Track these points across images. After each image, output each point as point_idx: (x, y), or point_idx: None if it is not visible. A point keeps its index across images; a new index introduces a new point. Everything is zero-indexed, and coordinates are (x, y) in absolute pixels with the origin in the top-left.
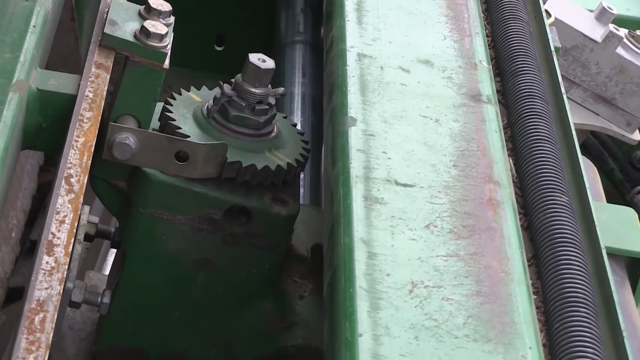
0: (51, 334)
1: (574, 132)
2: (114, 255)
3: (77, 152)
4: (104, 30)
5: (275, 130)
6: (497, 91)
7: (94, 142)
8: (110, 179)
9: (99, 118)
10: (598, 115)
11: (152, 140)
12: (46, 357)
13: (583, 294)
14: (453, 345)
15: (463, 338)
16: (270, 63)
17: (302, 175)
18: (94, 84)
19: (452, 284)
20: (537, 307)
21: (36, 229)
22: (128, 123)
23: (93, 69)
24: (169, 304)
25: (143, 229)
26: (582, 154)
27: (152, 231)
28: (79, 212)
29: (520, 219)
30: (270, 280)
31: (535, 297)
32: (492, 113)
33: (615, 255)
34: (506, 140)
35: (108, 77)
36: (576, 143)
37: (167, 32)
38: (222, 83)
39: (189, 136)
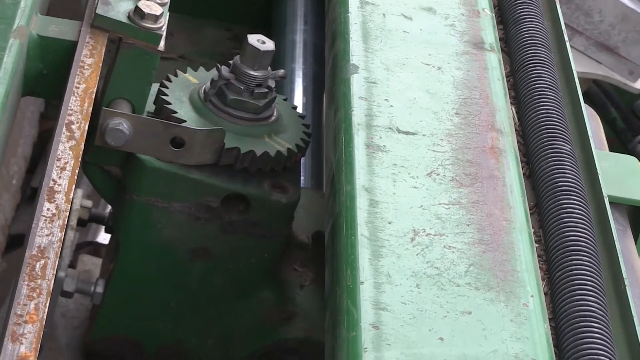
0: (52, 281)
1: (577, 81)
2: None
3: (77, 98)
4: (96, 11)
5: (275, 114)
6: (500, 39)
7: (95, 88)
8: (103, 164)
9: (100, 65)
10: (600, 63)
11: (147, 126)
12: (47, 304)
13: (585, 243)
14: (454, 293)
15: (465, 286)
16: (269, 45)
17: (302, 158)
18: (95, 30)
19: (453, 232)
20: (539, 256)
21: (37, 176)
22: (122, 107)
23: None
24: (164, 294)
25: (137, 217)
26: (584, 102)
27: (146, 219)
28: (79, 159)
29: (522, 167)
30: (269, 270)
31: (537, 245)
32: (494, 61)
33: (617, 203)
34: (509, 88)
35: None
36: (579, 91)
37: (162, 12)
38: (219, 65)
39: (184, 121)
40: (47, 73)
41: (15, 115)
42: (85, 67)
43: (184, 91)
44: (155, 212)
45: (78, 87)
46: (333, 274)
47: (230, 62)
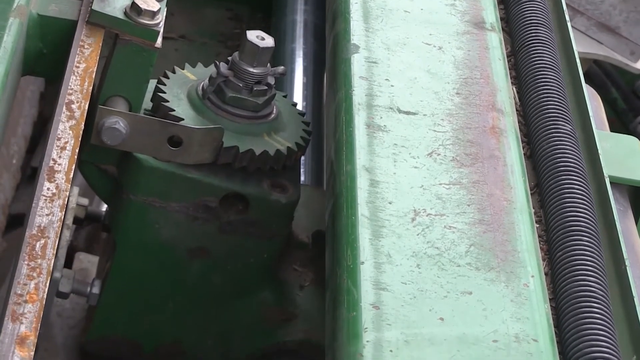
0: (52, 260)
1: (578, 61)
2: None
3: (78, 78)
4: (92, 7)
5: (274, 111)
6: (501, 19)
7: (95, 67)
8: (100, 163)
9: (100, 44)
10: (601, 43)
11: (144, 125)
12: (47, 284)
13: (586, 223)
14: (455, 273)
15: (465, 266)
16: (269, 41)
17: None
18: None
19: (454, 212)
20: (539, 236)
21: (37, 155)
22: (118, 105)
23: None
24: (162, 295)
25: (134, 216)
26: (585, 82)
27: (143, 219)
28: (79, 139)
29: (523, 147)
30: (268, 270)
31: (537, 225)
32: (495, 41)
33: (618, 184)
34: (510, 68)
35: None
36: (580, 72)
37: (160, 8)
38: (217, 62)
39: (182, 119)
40: (47, 52)
41: (15, 94)
42: (86, 46)
43: (181, 88)
44: (153, 212)
45: (78, 67)
46: (333, 254)
47: (229, 58)
